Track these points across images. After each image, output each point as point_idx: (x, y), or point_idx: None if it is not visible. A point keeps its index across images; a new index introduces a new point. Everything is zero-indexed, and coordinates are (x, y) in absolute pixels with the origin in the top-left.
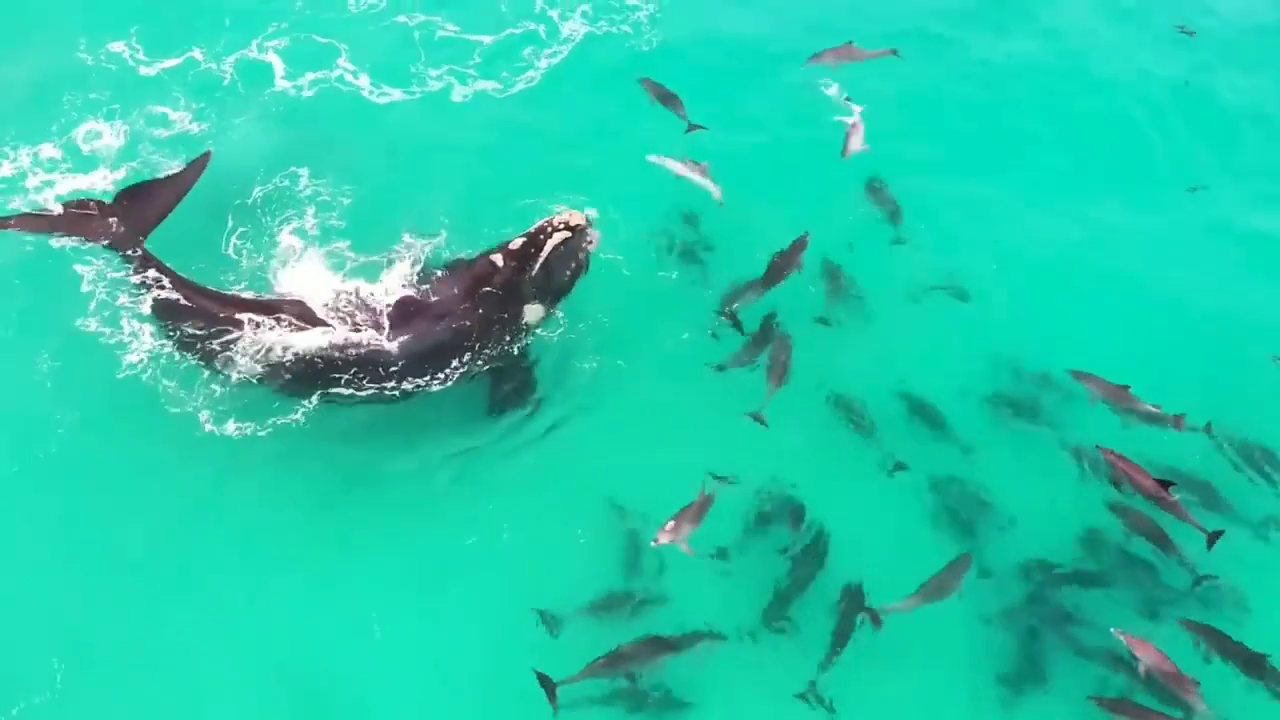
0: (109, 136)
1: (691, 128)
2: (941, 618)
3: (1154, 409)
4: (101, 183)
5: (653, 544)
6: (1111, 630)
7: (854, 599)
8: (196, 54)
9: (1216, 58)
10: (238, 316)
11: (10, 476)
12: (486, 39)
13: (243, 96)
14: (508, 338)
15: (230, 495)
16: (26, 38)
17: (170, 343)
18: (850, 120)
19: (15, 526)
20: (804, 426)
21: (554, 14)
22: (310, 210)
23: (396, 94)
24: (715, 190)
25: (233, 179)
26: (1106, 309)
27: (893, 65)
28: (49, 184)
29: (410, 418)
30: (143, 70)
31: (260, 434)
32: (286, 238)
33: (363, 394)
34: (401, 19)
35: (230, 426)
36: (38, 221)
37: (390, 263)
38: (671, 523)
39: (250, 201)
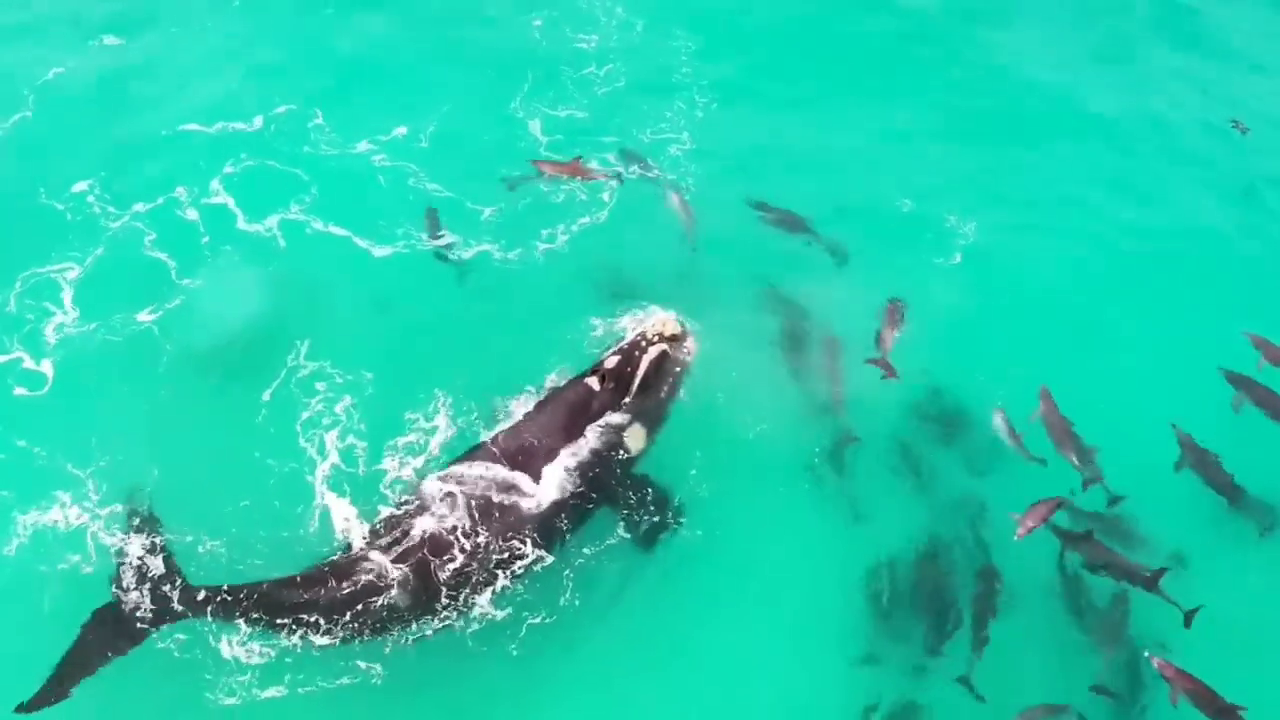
0: (64, 313)
1: (435, 238)
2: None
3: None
4: (48, 370)
5: None
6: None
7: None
8: (156, 207)
9: None
10: (315, 596)
11: None
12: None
13: (214, 256)
14: (613, 472)
15: None
16: None
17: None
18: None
19: None
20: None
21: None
22: (340, 420)
23: (387, 249)
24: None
25: (228, 374)
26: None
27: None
28: None
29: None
30: (111, 223)
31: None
32: (324, 469)
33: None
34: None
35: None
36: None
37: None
38: None
39: (260, 419)
